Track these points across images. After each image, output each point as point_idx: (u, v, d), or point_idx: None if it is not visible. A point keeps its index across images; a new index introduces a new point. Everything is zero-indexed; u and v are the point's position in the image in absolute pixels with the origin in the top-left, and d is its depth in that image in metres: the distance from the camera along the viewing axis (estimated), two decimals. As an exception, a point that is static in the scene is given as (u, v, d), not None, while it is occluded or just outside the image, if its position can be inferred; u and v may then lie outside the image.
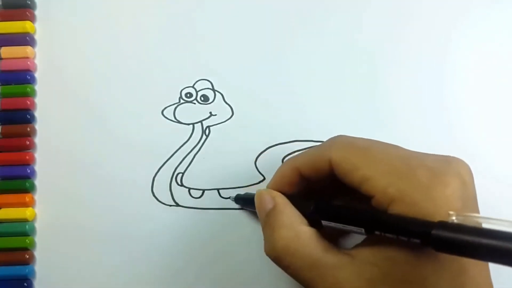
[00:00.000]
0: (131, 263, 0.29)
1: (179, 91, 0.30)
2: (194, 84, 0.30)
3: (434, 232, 0.17)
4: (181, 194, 0.29)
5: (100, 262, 0.29)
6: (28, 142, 0.30)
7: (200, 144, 0.30)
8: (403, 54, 0.30)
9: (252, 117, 0.30)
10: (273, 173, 0.29)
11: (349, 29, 0.31)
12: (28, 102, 0.30)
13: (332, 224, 0.22)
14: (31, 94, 0.30)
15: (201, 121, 0.30)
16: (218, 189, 0.29)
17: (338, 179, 0.22)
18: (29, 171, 0.29)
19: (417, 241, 0.18)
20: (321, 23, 0.31)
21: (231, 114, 0.30)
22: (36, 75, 0.31)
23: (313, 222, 0.23)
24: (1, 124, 0.30)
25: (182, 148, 0.30)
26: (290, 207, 0.23)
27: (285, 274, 0.28)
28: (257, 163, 0.30)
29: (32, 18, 0.31)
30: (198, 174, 0.29)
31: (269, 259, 0.28)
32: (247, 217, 0.29)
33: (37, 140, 0.30)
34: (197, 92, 0.30)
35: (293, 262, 0.22)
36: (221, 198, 0.29)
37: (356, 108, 0.30)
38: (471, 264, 0.19)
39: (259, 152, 0.30)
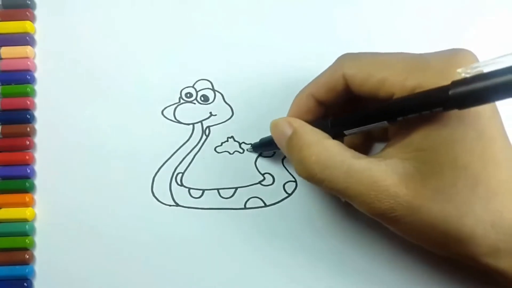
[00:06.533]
0: (131, 263, 0.29)
1: (179, 91, 0.30)
2: (194, 84, 0.30)
3: (452, 91, 0.18)
4: (181, 194, 0.29)
5: (100, 262, 0.29)
6: (28, 142, 0.30)
7: (200, 144, 0.30)
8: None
9: (252, 117, 0.30)
10: (273, 173, 0.29)
11: (352, 38, 0.31)
12: (28, 102, 0.30)
13: (355, 130, 0.22)
14: (31, 94, 0.30)
15: (201, 121, 0.30)
16: (218, 189, 0.29)
17: (353, 96, 0.23)
18: (29, 171, 0.29)
19: (440, 109, 0.19)
20: (321, 24, 0.31)
21: (231, 114, 0.30)
22: (36, 75, 0.31)
23: (334, 136, 0.23)
24: (1, 124, 0.30)
25: (182, 148, 0.30)
26: (310, 127, 0.24)
27: (285, 273, 0.28)
28: (257, 163, 0.30)
29: (32, 18, 0.31)
30: (198, 174, 0.29)
31: (269, 260, 0.28)
32: (247, 217, 0.29)
33: (37, 140, 0.30)
34: (197, 92, 0.30)
35: (327, 174, 0.22)
36: (221, 198, 0.29)
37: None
38: (497, 136, 0.20)
39: (259, 152, 0.30)
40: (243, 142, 0.30)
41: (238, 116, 0.30)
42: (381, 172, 0.21)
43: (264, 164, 0.29)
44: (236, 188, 0.29)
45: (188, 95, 0.30)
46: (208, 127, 0.30)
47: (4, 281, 0.29)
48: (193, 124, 0.30)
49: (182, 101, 0.30)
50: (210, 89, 0.30)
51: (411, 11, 0.31)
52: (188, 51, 0.31)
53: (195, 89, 0.30)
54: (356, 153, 0.22)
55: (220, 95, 0.30)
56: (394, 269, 0.28)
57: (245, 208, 0.29)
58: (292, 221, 0.29)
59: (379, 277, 0.28)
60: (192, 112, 0.30)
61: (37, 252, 0.29)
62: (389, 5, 0.31)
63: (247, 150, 0.30)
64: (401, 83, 0.21)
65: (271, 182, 0.29)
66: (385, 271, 0.28)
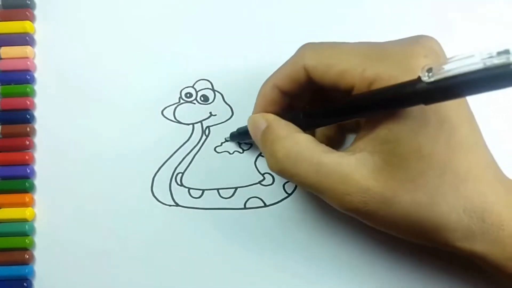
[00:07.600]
0: (131, 263, 0.29)
1: (179, 91, 0.30)
2: (194, 84, 0.30)
3: (419, 85, 0.17)
4: (180, 194, 0.29)
5: (99, 262, 0.29)
6: (28, 142, 0.30)
7: (200, 144, 0.30)
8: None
9: (252, 117, 0.30)
10: (273, 173, 0.29)
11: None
12: (28, 102, 0.30)
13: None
14: (31, 94, 0.30)
15: (201, 121, 0.30)
16: (218, 189, 0.29)
17: (317, 87, 0.23)
18: (29, 171, 0.29)
19: (407, 105, 0.19)
20: (323, 25, 0.31)
21: (231, 114, 0.30)
22: (36, 75, 0.31)
23: (307, 128, 0.23)
24: (1, 124, 0.30)
25: (182, 148, 0.30)
26: (283, 121, 0.24)
27: (285, 273, 0.28)
28: (257, 163, 0.30)
29: (32, 18, 0.31)
30: (198, 174, 0.29)
31: (269, 260, 0.28)
32: (247, 217, 0.29)
33: (37, 140, 0.30)
34: (197, 92, 0.30)
35: (297, 169, 0.22)
36: (221, 198, 0.29)
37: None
38: (461, 123, 0.20)
39: (259, 152, 0.30)
40: (243, 142, 0.30)
41: (238, 116, 0.30)
42: (351, 167, 0.21)
43: (264, 164, 0.29)
44: (236, 188, 0.29)
45: (188, 95, 0.30)
46: (208, 127, 0.30)
47: (4, 281, 0.29)
48: (193, 124, 0.30)
49: (182, 101, 0.30)
50: (210, 89, 0.30)
51: (415, 5, 0.31)
52: (188, 51, 0.31)
53: (195, 89, 0.30)
54: (327, 148, 0.22)
55: (220, 95, 0.30)
56: (396, 268, 0.28)
57: (245, 208, 0.29)
58: (292, 221, 0.29)
59: (380, 275, 0.28)
60: (192, 112, 0.30)
61: (37, 252, 0.29)
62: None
63: (225, 139, 0.30)
64: (360, 74, 0.21)
65: (271, 182, 0.29)
66: (386, 270, 0.28)
